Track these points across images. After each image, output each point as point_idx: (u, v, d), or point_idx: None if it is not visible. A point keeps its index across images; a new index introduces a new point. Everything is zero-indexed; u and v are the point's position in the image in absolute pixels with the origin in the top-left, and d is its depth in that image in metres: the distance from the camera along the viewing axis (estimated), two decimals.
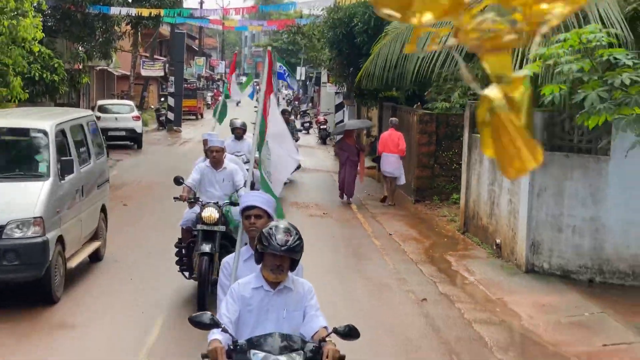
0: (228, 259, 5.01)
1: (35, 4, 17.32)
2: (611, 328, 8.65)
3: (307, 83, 64.43)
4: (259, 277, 4.40)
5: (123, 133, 27.59)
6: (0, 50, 16.09)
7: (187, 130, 38.21)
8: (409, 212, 16.85)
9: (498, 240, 12.21)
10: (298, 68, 62.52)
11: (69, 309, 8.94)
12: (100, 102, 29.63)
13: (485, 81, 1.66)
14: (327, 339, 4.21)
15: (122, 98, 38.78)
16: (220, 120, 15.92)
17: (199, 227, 8.79)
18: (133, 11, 21.00)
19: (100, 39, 25.43)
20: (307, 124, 39.52)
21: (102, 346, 7.81)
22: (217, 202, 8.97)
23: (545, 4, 1.59)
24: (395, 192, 17.78)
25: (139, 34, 33.16)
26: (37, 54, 18.45)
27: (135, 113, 28.47)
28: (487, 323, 8.95)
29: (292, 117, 17.14)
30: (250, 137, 14.50)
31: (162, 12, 22.45)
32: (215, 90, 66.08)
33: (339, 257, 12.14)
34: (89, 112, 12.23)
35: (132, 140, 28.22)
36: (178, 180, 9.30)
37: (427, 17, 1.59)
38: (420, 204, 17.25)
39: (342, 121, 28.29)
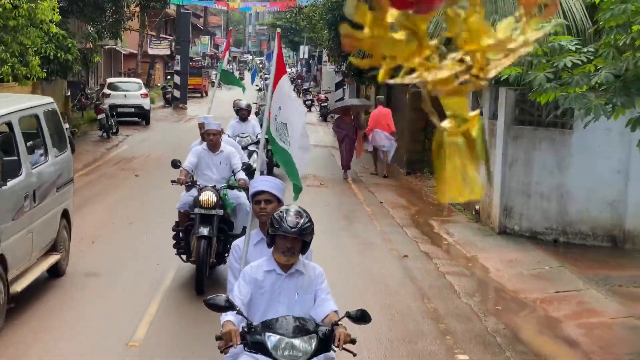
0: (238, 242, 5.06)
1: None
2: (565, 278, 9.92)
3: (310, 62, 65.41)
4: (270, 260, 4.48)
5: (131, 110, 28.76)
6: (20, 32, 17.27)
7: (193, 108, 39.36)
8: (400, 183, 18.09)
9: (477, 207, 13.46)
10: (301, 47, 63.53)
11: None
12: (109, 80, 30.83)
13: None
14: (339, 322, 4.28)
15: (129, 76, 39.95)
16: (242, 86, 15.96)
17: (196, 210, 8.70)
18: None
19: (110, 20, 26.58)
20: (309, 102, 40.61)
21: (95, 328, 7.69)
22: (215, 186, 8.88)
23: (493, 52, 1.68)
24: (390, 165, 19.00)
25: (146, 14, 34.27)
26: (51, 35, 19.59)
27: (144, 90, 29.67)
28: (458, 275, 10.23)
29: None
30: (254, 119, 15.03)
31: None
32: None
33: (332, 220, 13.38)
34: (48, 99, 10.03)
35: (140, 117, 29.37)
36: (175, 164, 9.15)
37: (393, 60, 1.67)
38: (411, 176, 18.49)
39: (341, 99, 29.46)
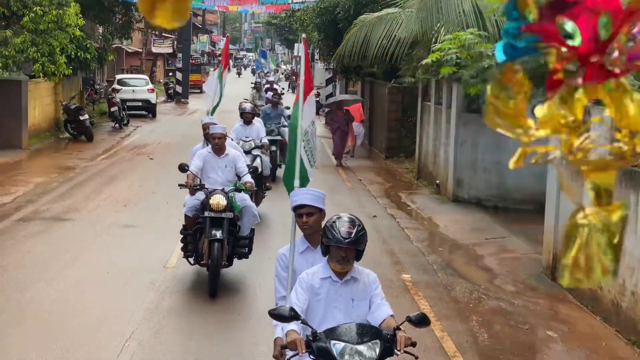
0: (284, 251, 5.13)
1: None
2: (496, 231, 12.77)
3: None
4: (326, 267, 4.56)
5: (139, 103, 31.45)
6: (50, 35, 20.02)
7: (193, 102, 42.14)
8: (379, 165, 20.92)
9: (438, 181, 16.31)
10: (296, 45, 66.16)
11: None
12: (119, 77, 33.54)
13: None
14: (400, 327, 4.33)
15: (131, 73, 42.66)
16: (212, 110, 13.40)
17: (206, 214, 8.76)
18: None
19: (120, 22, 29.31)
20: None
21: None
22: (223, 189, 8.99)
23: None
24: (370, 151, 21.88)
25: None
26: (72, 36, 22.31)
27: (150, 86, 32.44)
28: (414, 229, 13.06)
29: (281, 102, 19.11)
30: (258, 122, 14.65)
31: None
32: (215, 67, 69.64)
33: None
34: None
35: (147, 110, 32.05)
36: (183, 168, 9.30)
37: (538, 132, 1.57)
38: (389, 160, 21.32)
39: (332, 94, 32.26)
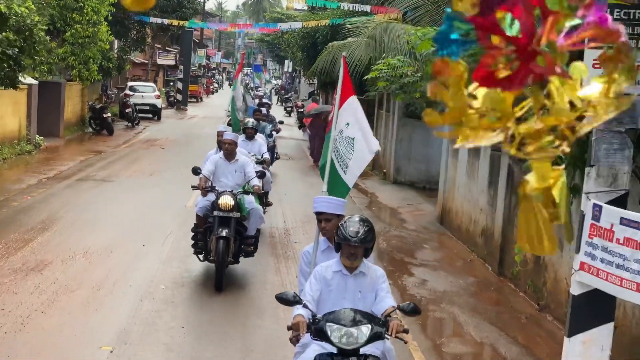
0: (308, 249, 5.80)
1: (106, 16, 26.26)
2: (417, 200, 17.93)
3: (294, 74, 73.46)
4: (338, 262, 5.14)
5: (147, 107, 36.45)
6: (86, 47, 25.12)
7: (191, 109, 47.30)
8: None
9: (385, 170, 21.47)
10: (286, 61, 71.39)
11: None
12: (130, 84, 38.52)
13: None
14: (392, 314, 4.86)
15: (135, 82, 47.80)
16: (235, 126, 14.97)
17: (215, 213, 9.32)
18: (166, 21, 29.92)
19: (135, 37, 34.47)
20: (289, 108, 48.60)
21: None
22: (232, 191, 9.53)
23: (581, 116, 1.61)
24: None
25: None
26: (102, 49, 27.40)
27: (157, 93, 37.56)
28: (359, 198, 18.14)
29: (269, 113, 21.85)
30: (260, 138, 14.80)
31: (187, 24, 31.39)
32: (207, 79, 74.63)
33: (295, 175, 21.35)
34: None
35: (153, 114, 37.08)
36: (196, 171, 9.95)
37: (476, 133, 1.62)
38: None
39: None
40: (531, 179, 1.67)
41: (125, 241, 11.76)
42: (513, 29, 1.58)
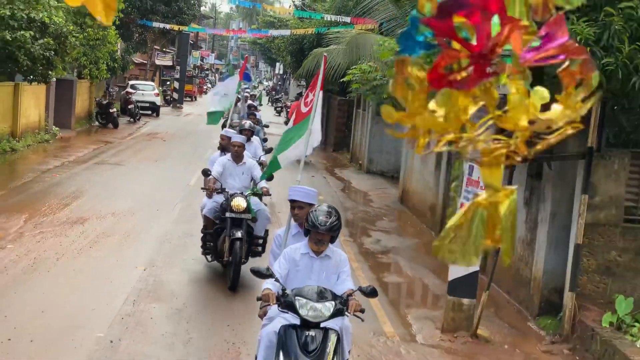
0: (280, 232, 6.43)
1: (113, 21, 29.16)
2: (384, 185, 20.96)
3: (284, 76, 76.47)
4: (306, 245, 5.69)
5: (147, 104, 39.35)
6: (98, 49, 28.01)
7: (187, 108, 50.22)
8: (327, 155, 29.06)
9: (361, 162, 24.50)
10: (277, 63, 74.32)
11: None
12: (131, 82, 41.41)
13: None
14: (353, 295, 5.45)
15: (132, 80, 50.71)
16: (215, 120, 16.67)
17: (228, 214, 9.46)
18: (167, 26, 32.83)
19: (137, 39, 37.39)
20: (279, 108, 51.61)
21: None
22: (242, 192, 9.68)
23: (541, 128, 1.63)
24: (325, 146, 29.97)
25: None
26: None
27: (156, 91, 40.47)
28: (337, 184, 21.17)
29: (259, 116, 21.30)
30: (256, 140, 14.95)
31: (187, 28, 34.30)
32: (200, 79, 77.40)
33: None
34: None
35: (152, 110, 39.98)
36: (206, 173, 9.96)
37: (431, 133, 1.67)
38: (335, 152, 29.48)
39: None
40: (482, 193, 1.69)
41: (143, 207, 14.73)
42: (470, 34, 1.59)
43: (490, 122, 1.71)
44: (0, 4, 14.89)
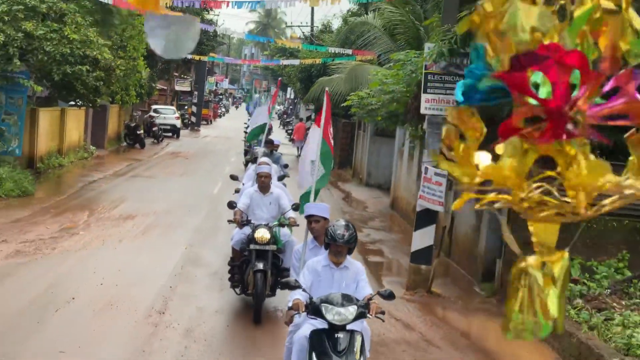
0: (298, 247, 7.17)
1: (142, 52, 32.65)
2: (379, 195, 24.24)
3: (295, 101, 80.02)
4: (326, 258, 6.26)
5: (168, 127, 42.91)
6: (128, 78, 31.55)
7: (203, 130, 53.84)
8: (333, 172, 32.37)
9: (361, 176, 27.84)
10: (288, 88, 77.93)
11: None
12: (154, 107, 44.99)
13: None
14: (373, 299, 6.01)
15: (150, 105, 54.45)
16: (249, 139, 17.80)
17: (252, 246, 9.44)
18: (189, 56, 36.40)
19: (161, 68, 41.01)
20: (290, 131, 55.10)
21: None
22: (267, 224, 9.62)
23: (599, 189, 1.55)
24: None
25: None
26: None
27: (176, 114, 44.06)
28: (338, 194, 24.46)
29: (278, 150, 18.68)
30: (280, 153, 15.72)
31: (207, 58, 37.85)
32: (215, 104, 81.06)
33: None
34: None
35: (173, 132, 43.53)
36: (231, 205, 9.88)
37: (486, 182, 1.61)
38: (340, 169, 32.84)
39: (310, 126, 43.93)
40: (531, 258, 1.62)
41: (177, 208, 18.10)
42: (544, 90, 1.52)
43: (550, 180, 1.64)
44: (62, 44, 18.34)
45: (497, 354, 9.42)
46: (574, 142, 1.59)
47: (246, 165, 14.55)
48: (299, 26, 55.92)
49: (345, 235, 6.07)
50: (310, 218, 6.94)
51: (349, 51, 28.87)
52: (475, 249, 13.27)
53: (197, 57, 35.77)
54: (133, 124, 35.10)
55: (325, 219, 6.87)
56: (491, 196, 1.64)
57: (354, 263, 6.36)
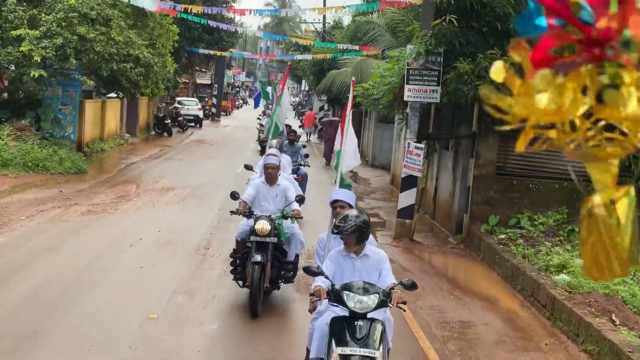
0: (323, 236, 7.11)
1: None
2: (383, 174, 27.51)
3: (310, 92, 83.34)
4: None
5: (192, 117, 46.38)
6: (157, 72, 34.94)
7: (223, 121, 57.29)
8: None
9: (367, 158, 31.12)
10: (303, 80, 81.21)
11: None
12: (178, 99, 48.44)
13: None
14: (395, 288, 5.98)
15: (172, 98, 57.96)
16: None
17: (252, 238, 9.26)
18: (211, 52, 39.71)
19: (185, 62, 44.42)
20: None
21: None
22: (270, 216, 9.37)
23: None
24: None
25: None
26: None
27: (199, 106, 47.51)
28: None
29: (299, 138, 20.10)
30: (285, 159, 14.43)
31: (228, 54, 41.12)
32: (232, 96, 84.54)
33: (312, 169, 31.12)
34: None
35: (196, 122, 46.99)
36: (234, 196, 9.66)
37: (532, 119, 1.55)
38: None
39: (323, 117, 47.15)
40: (595, 197, 1.53)
41: (208, 183, 21.48)
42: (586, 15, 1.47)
43: (596, 117, 1.54)
44: (109, 45, 21.72)
45: (455, 278, 12.71)
46: (627, 72, 1.49)
47: (261, 153, 16.87)
48: (312, 23, 59.14)
49: (342, 226, 6.04)
50: (335, 204, 6.92)
51: (356, 47, 32.13)
52: (451, 210, 16.54)
53: (218, 53, 39.14)
54: (161, 115, 38.54)
55: (350, 205, 6.84)
56: (552, 132, 1.56)
57: (376, 252, 6.35)
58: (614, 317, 9.13)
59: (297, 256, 9.87)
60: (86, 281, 10.30)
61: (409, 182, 15.44)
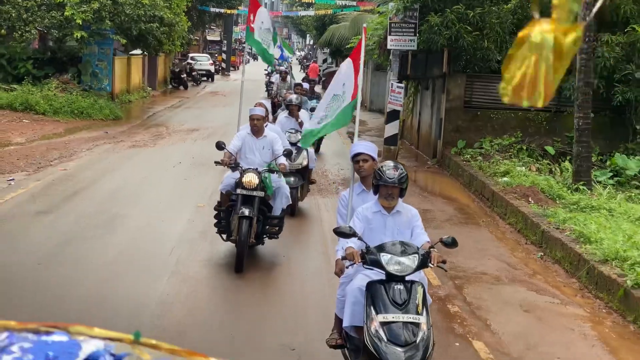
0: (345, 193, 6.37)
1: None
2: (380, 117, 31.00)
3: (314, 46, 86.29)
4: (377, 203, 5.76)
5: (204, 72, 49.74)
6: (173, 31, 38.27)
7: (232, 75, 60.62)
8: None
9: (365, 104, 34.55)
10: (307, 35, 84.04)
11: None
12: (191, 54, 51.69)
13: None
14: (434, 246, 5.51)
15: (184, 55, 61.23)
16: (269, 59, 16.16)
17: (238, 191, 8.94)
18: (222, 10, 42.79)
19: (196, 21, 47.66)
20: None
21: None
22: (257, 169, 9.08)
23: None
24: None
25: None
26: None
27: (210, 61, 50.87)
28: None
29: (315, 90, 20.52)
30: (304, 113, 14.75)
31: (236, 11, 44.25)
32: (239, 52, 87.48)
33: None
34: None
35: (208, 77, 50.36)
36: (220, 146, 9.38)
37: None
38: None
39: (326, 68, 50.42)
40: (544, 22, 1.53)
41: (226, 124, 24.95)
42: None
43: None
44: (137, 7, 25.09)
45: (426, 186, 16.32)
46: None
47: (274, 111, 18.81)
48: None
49: (396, 174, 5.60)
50: (357, 157, 6.30)
51: (354, 2, 35.34)
52: (430, 138, 20.08)
53: (229, 11, 42.38)
54: (177, 70, 41.94)
55: (373, 159, 6.32)
56: None
57: (407, 207, 5.93)
58: (530, 200, 12.74)
59: (282, 211, 9.71)
60: (147, 186, 14.02)
61: (393, 115, 18.96)
